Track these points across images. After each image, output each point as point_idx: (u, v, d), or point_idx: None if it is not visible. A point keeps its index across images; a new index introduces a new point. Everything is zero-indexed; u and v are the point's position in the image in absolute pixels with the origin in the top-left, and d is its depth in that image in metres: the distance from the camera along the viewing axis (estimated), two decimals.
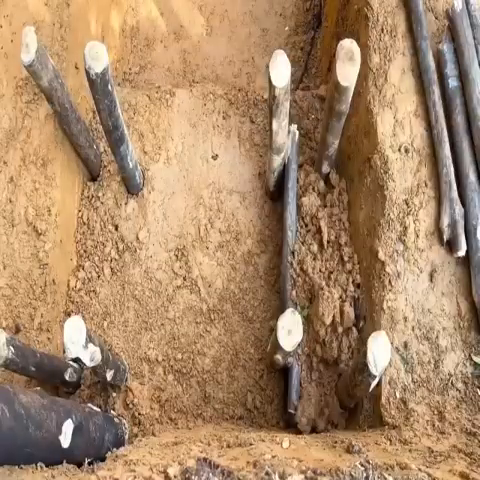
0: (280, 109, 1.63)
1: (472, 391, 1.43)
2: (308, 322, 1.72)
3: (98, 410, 1.54)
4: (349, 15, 2.16)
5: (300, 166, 1.96)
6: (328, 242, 1.82)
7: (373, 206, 1.71)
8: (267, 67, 1.55)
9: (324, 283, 1.74)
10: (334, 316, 1.67)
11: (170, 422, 1.79)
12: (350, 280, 1.74)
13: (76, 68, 1.96)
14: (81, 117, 1.88)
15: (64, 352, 1.35)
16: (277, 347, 1.46)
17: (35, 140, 1.73)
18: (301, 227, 1.87)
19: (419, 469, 1.06)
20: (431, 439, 1.30)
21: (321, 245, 1.82)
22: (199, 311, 1.94)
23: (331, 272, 1.78)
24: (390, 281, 1.57)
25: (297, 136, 1.89)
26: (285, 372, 1.72)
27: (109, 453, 1.31)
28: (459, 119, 1.63)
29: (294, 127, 1.90)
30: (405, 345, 1.50)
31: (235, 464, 1.02)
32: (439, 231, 1.56)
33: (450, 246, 1.55)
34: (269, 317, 1.92)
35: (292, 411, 1.62)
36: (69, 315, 1.88)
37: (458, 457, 1.17)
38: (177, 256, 2.00)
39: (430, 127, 1.68)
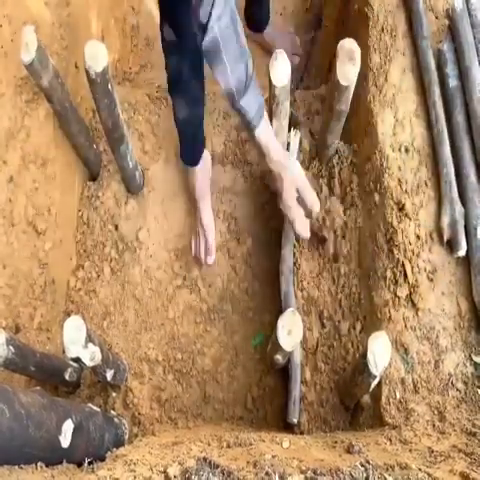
0: (280, 109, 1.63)
1: (472, 391, 1.43)
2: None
3: (98, 410, 1.54)
4: (349, 15, 2.16)
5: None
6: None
7: (373, 206, 1.71)
8: (267, 66, 1.55)
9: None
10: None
11: (170, 422, 1.79)
12: (350, 276, 1.75)
13: (76, 67, 1.96)
14: (81, 117, 1.87)
15: (64, 352, 1.34)
16: (277, 347, 1.46)
17: (35, 139, 1.73)
18: None
19: (419, 469, 1.06)
20: (431, 439, 1.30)
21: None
22: (199, 311, 1.94)
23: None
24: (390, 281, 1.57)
25: (298, 136, 1.89)
26: (285, 372, 1.72)
27: (109, 453, 1.31)
28: (459, 119, 1.63)
29: (295, 131, 1.90)
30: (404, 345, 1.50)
31: (235, 464, 1.02)
32: (439, 231, 1.56)
33: (450, 246, 1.55)
34: (269, 318, 1.92)
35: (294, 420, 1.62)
36: (69, 315, 1.88)
37: (458, 457, 1.17)
38: (177, 256, 2.00)
39: (430, 127, 1.68)
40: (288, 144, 1.87)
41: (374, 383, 1.37)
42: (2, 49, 1.72)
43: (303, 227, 1.57)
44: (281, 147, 1.59)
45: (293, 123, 1.90)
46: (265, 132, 1.47)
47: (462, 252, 1.51)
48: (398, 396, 1.45)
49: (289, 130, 1.83)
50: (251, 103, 1.44)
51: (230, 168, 2.11)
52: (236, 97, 1.41)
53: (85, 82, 1.55)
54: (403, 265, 1.56)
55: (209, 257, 1.96)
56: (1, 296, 1.58)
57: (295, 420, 1.61)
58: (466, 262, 1.54)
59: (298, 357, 1.67)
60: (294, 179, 1.53)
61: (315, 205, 1.58)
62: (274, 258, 1.90)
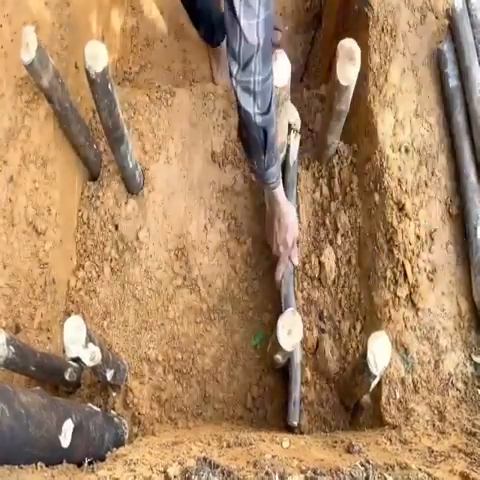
0: (280, 109, 1.63)
1: (472, 391, 1.43)
2: None
3: (98, 410, 1.55)
4: (349, 15, 2.16)
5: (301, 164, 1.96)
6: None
7: (373, 206, 1.72)
8: None
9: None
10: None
11: (170, 422, 1.79)
12: (350, 276, 1.75)
13: (76, 68, 1.96)
14: (81, 117, 1.88)
15: (64, 352, 1.35)
16: (277, 347, 1.46)
17: (35, 139, 1.73)
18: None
19: (419, 469, 1.06)
20: (431, 439, 1.30)
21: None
22: (199, 311, 1.94)
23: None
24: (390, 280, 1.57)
25: (298, 139, 1.90)
26: (285, 371, 1.72)
27: (109, 453, 1.31)
28: (459, 119, 1.63)
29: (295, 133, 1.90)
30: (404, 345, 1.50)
31: (235, 464, 1.02)
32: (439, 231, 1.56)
33: None
34: (269, 317, 1.92)
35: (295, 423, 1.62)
36: (69, 315, 1.88)
37: (458, 457, 1.17)
38: (177, 256, 2.00)
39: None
40: (288, 146, 1.87)
41: (374, 383, 1.37)
42: (2, 49, 1.73)
43: (279, 273, 1.77)
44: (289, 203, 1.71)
45: None
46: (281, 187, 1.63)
47: None
48: (398, 396, 1.45)
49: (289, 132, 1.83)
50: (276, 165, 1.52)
51: (230, 168, 2.11)
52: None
53: (85, 82, 1.55)
54: (403, 265, 1.56)
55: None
56: (1, 296, 1.58)
57: (295, 423, 1.61)
58: (466, 262, 1.54)
59: (298, 358, 1.67)
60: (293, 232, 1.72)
61: (295, 260, 1.76)
62: (274, 258, 1.90)
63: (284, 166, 1.91)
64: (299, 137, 1.90)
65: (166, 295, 1.96)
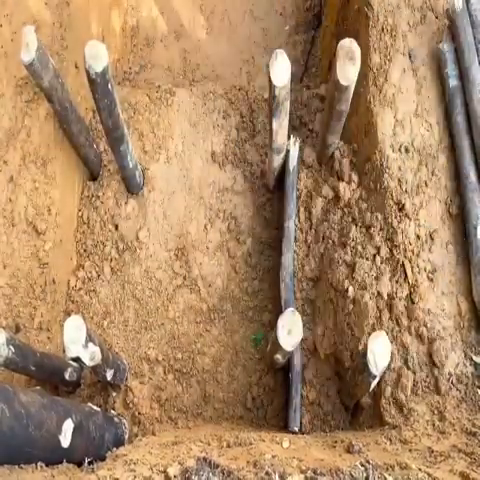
0: (280, 108, 1.64)
1: (472, 391, 1.43)
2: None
3: (98, 409, 1.55)
4: (349, 15, 2.16)
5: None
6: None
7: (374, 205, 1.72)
8: (267, 66, 1.55)
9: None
10: None
11: (170, 421, 1.79)
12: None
13: (76, 67, 1.96)
14: (81, 116, 1.88)
15: (64, 351, 1.35)
16: (277, 346, 1.46)
17: (35, 139, 1.73)
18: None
19: (419, 469, 1.06)
20: (431, 439, 1.30)
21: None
22: (199, 310, 1.94)
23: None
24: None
25: (298, 143, 1.90)
26: (285, 372, 1.72)
27: (109, 452, 1.31)
28: (459, 119, 1.63)
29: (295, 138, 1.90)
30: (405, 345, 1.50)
31: (235, 464, 1.02)
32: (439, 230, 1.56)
33: None
34: (269, 317, 1.92)
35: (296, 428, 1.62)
36: (69, 314, 1.89)
37: (458, 457, 1.17)
38: (177, 255, 2.00)
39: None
40: (287, 151, 1.88)
41: (374, 383, 1.37)
42: (2, 49, 1.73)
43: None
44: None
45: None
46: None
47: None
48: (398, 396, 1.45)
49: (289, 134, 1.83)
50: None
51: (230, 168, 2.12)
52: None
53: (85, 82, 1.55)
54: (403, 265, 1.56)
55: None
56: (1, 296, 1.59)
57: (296, 429, 1.61)
58: (466, 262, 1.54)
59: (299, 365, 1.67)
60: None
61: None
62: (274, 258, 1.90)
63: (284, 171, 1.91)
64: (299, 142, 1.90)
65: (166, 295, 1.96)
